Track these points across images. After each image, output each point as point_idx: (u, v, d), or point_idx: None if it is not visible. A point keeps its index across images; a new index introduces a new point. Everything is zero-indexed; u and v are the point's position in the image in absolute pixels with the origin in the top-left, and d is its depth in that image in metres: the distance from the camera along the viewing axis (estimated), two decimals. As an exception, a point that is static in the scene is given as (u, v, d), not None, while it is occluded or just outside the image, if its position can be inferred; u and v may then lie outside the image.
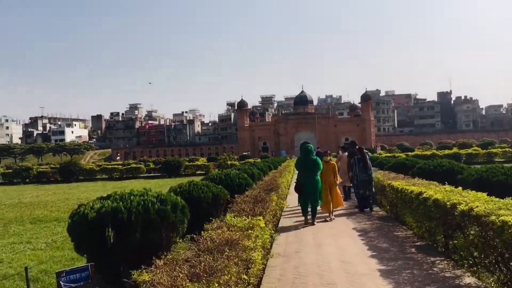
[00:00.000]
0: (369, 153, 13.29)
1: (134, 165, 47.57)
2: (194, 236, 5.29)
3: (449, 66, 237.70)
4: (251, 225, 5.38)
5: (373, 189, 11.80)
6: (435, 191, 7.07)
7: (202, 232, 5.17)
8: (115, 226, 5.40)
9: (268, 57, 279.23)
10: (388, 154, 40.48)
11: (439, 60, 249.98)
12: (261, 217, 6.05)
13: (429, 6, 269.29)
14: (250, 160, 49.11)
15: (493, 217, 4.46)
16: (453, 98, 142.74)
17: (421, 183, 8.65)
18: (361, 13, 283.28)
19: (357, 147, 13.08)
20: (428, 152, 43.04)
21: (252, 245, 4.56)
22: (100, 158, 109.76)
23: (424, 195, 6.99)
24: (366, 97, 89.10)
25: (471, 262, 5.68)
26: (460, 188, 7.06)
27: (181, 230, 6.23)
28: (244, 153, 71.96)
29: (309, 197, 10.15)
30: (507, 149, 41.60)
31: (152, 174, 45.37)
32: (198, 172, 43.95)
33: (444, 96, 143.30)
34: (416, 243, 7.65)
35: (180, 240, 6.53)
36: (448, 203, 5.89)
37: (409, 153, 43.83)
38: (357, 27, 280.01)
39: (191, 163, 49.19)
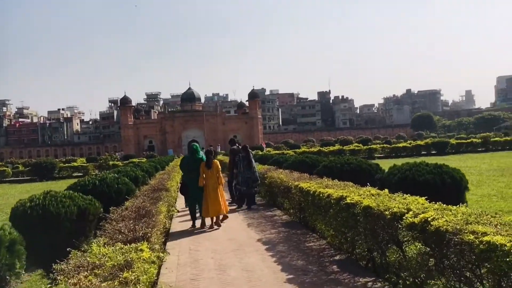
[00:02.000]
0: (252, 152, 13.41)
1: (-3, 168, 41.54)
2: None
3: (328, 67, 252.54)
4: (129, 260, 3.59)
5: (257, 187, 12.37)
6: (359, 195, 5.89)
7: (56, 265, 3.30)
8: None
9: (153, 54, 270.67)
10: (277, 151, 40.44)
11: (320, 60, 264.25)
12: (145, 243, 4.28)
13: (311, 7, 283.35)
14: (134, 160, 45.94)
15: (470, 236, 3.24)
16: (332, 98, 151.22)
17: (335, 184, 7.50)
18: (247, 13, 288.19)
19: (238, 145, 13.32)
20: (315, 149, 43.99)
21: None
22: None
23: (348, 200, 5.76)
24: (254, 95, 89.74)
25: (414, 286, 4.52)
26: (386, 190, 5.97)
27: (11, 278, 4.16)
28: (127, 153, 67.82)
29: (196, 199, 9.64)
30: (384, 145, 44.08)
31: (20, 178, 39.95)
32: (76, 174, 39.75)
33: (323, 95, 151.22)
34: (335, 257, 6.42)
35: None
36: (386, 212, 4.67)
37: (297, 150, 44.47)
38: (242, 27, 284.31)
39: (67, 164, 44.48)
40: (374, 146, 43.67)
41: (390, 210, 4.64)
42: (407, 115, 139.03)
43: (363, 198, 5.55)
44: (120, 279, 3.17)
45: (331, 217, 6.52)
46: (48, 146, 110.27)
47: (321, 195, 6.86)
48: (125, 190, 9.18)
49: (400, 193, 5.51)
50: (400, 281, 4.89)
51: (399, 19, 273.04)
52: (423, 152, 40.86)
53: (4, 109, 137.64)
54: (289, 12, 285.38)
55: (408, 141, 48.83)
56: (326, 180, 8.53)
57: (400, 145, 43.43)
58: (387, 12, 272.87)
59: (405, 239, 4.62)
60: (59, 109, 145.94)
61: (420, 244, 4.39)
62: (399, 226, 4.40)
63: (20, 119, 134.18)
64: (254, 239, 7.94)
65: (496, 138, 43.30)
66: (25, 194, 22.53)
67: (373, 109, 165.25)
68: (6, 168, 42.05)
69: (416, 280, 4.52)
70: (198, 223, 9.62)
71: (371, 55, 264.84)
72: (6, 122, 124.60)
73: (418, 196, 5.12)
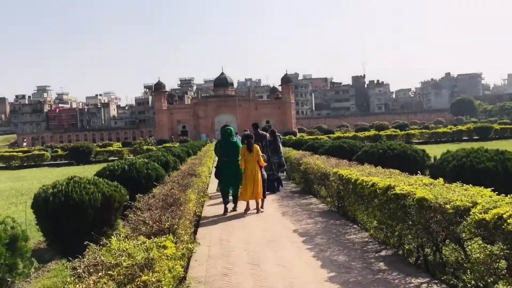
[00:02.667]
0: (280, 136, 13.24)
1: (36, 152, 42.54)
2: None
3: (363, 51, 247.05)
4: (150, 259, 3.12)
5: (285, 172, 12.35)
6: (409, 184, 5.24)
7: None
8: None
9: (187, 40, 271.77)
10: (310, 137, 39.65)
11: (354, 44, 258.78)
12: (170, 237, 3.81)
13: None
14: (167, 144, 46.19)
15: None
16: (367, 82, 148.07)
17: (379, 172, 6.87)
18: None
19: (269, 130, 13.02)
20: (349, 134, 42.90)
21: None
22: (3, 144, 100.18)
23: (397, 190, 5.13)
24: (287, 79, 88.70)
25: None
26: (441, 179, 5.30)
27: None
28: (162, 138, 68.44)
29: (229, 183, 9.47)
30: (423, 130, 42.52)
31: (58, 162, 40.82)
32: (111, 158, 40.25)
33: (358, 80, 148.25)
34: (380, 253, 5.81)
35: None
36: (447, 206, 4.03)
37: (330, 135, 43.55)
38: (275, 12, 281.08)
39: (103, 148, 45.10)
40: (412, 131, 42.20)
41: (452, 203, 3.99)
42: (445, 100, 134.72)
43: (416, 189, 4.91)
44: (138, 282, 2.71)
45: (376, 208, 5.90)
46: (86, 131, 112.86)
47: (364, 184, 6.23)
48: (155, 175, 8.81)
49: (459, 183, 4.83)
50: (460, 284, 4.26)
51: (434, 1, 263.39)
52: (464, 138, 39.19)
53: (45, 95, 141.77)
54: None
55: (449, 126, 46.98)
56: (368, 167, 7.88)
57: (440, 130, 41.79)
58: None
59: (467, 236, 3.98)
60: (96, 95, 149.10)
61: (484, 242, 3.75)
62: (464, 222, 3.76)
63: (60, 105, 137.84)
64: (289, 230, 7.40)
65: (544, 123, 41.03)
66: (61, 177, 22.82)
67: (410, 93, 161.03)
68: (45, 152, 43.02)
69: (480, 284, 3.89)
70: (230, 207, 9.45)
71: (407, 38, 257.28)
72: (46, 108, 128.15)
73: (481, 187, 4.44)
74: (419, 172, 6.10)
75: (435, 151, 14.15)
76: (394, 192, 5.20)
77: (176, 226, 4.39)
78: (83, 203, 5.28)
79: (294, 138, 31.15)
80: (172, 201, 5.52)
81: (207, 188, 12.06)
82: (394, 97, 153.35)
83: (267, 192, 10.39)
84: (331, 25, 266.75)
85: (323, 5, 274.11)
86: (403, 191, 5.01)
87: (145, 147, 42.96)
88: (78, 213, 5.21)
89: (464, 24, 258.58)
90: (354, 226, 7.39)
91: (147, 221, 4.40)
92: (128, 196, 6.15)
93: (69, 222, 5.15)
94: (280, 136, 14.86)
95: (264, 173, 10.04)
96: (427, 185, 5.10)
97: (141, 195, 5.77)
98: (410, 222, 4.99)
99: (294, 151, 14.30)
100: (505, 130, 39.96)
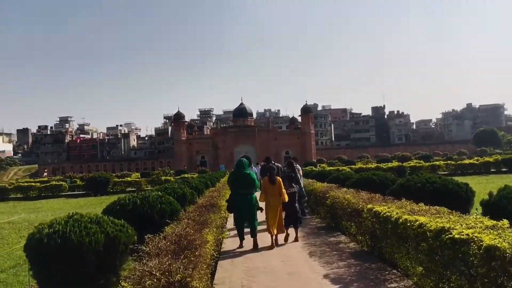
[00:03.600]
0: (298, 167, 13.01)
1: (54, 183, 42.41)
2: None
3: (382, 81, 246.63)
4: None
5: (305, 203, 11.65)
6: (468, 227, 4.37)
7: None
8: None
9: (206, 70, 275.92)
10: (331, 168, 38.64)
11: (373, 76, 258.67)
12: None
13: (360, 22, 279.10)
14: (186, 175, 45.67)
15: None
16: (387, 113, 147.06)
17: (423, 209, 5.99)
18: (296, 29, 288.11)
19: (288, 161, 12.73)
20: (372, 165, 41.75)
21: None
22: (25, 174, 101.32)
23: (455, 234, 4.25)
24: (306, 110, 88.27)
25: None
26: (505, 221, 4.42)
27: None
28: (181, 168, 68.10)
29: (243, 218, 8.97)
30: (449, 162, 41.08)
31: (76, 192, 40.55)
32: (129, 189, 39.80)
33: (378, 110, 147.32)
34: (431, 307, 4.90)
35: None
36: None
37: (352, 166, 42.44)
38: (293, 43, 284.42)
39: (121, 179, 44.76)
40: (437, 162, 40.83)
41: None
42: (467, 131, 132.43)
43: (479, 233, 4.04)
44: None
45: (423, 253, 5.02)
46: (106, 161, 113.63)
47: (408, 224, 5.36)
48: (169, 210, 8.06)
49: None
50: None
51: (457, 29, 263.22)
52: (492, 170, 37.66)
53: (67, 125, 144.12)
54: (341, 27, 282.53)
55: (475, 158, 45.39)
56: (407, 203, 7.00)
57: (466, 161, 40.30)
58: (444, 24, 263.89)
59: None
60: (117, 125, 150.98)
61: None
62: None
63: (81, 135, 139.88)
64: (319, 275, 6.51)
65: None
66: (77, 209, 22.32)
67: (431, 124, 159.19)
68: (63, 183, 42.86)
69: None
70: (246, 243, 9.02)
71: (428, 68, 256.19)
72: (68, 138, 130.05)
73: None
74: (476, 210, 5.20)
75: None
76: (450, 236, 4.33)
77: (189, 279, 3.61)
78: (83, 246, 4.53)
79: (316, 169, 30.20)
80: (187, 243, 4.75)
81: (226, 222, 11.27)
82: (414, 127, 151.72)
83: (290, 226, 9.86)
84: (350, 55, 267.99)
85: (342, 34, 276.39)
86: (463, 235, 4.15)
87: (163, 177, 42.49)
88: (77, 258, 4.46)
89: (485, 54, 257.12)
90: (394, 271, 6.47)
91: (154, 272, 3.63)
92: (136, 237, 5.38)
93: (66, 269, 4.40)
94: (299, 168, 14.00)
95: (297, 205, 9.86)
96: (491, 229, 4.22)
97: (150, 235, 5.01)
98: (473, 272, 4.11)
99: (318, 184, 13.45)
100: (536, 162, 38.33)
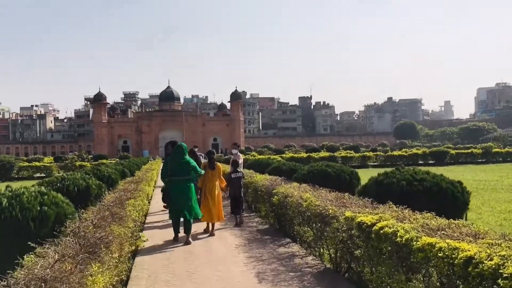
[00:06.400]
0: (239, 154, 12.03)
1: None
2: None
3: (310, 72, 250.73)
4: None
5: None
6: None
7: None
8: None
9: (133, 53, 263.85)
10: (262, 156, 36.87)
11: (302, 66, 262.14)
12: None
13: (291, 14, 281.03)
14: (105, 161, 41.85)
15: None
16: (313, 103, 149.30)
17: (444, 224, 3.96)
18: (228, 16, 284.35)
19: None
20: (303, 155, 40.62)
21: None
22: None
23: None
24: (236, 96, 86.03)
25: None
26: None
27: None
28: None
29: (181, 207, 8.17)
30: (379, 153, 40.94)
31: (-27, 178, 35.34)
32: (37, 174, 35.44)
33: (305, 101, 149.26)
34: None
35: None
36: None
37: (283, 155, 41.07)
38: (223, 29, 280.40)
39: (29, 163, 39.91)
40: (368, 153, 40.49)
41: None
42: (387, 123, 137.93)
43: None
44: None
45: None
46: (18, 144, 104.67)
47: (440, 254, 3.28)
48: (55, 215, 5.41)
49: None
50: None
51: (381, 28, 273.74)
52: (420, 162, 37.91)
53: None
54: (271, 16, 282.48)
55: (404, 150, 45.89)
56: (399, 209, 4.99)
57: (396, 153, 40.31)
58: (370, 21, 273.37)
59: None
60: (32, 106, 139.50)
61: None
62: None
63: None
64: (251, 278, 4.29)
65: (497, 149, 40.67)
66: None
67: (354, 116, 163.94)
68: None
69: None
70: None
71: (353, 62, 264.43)
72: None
73: None
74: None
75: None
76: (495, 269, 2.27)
77: None
78: None
79: (252, 158, 28.05)
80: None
81: (142, 227, 8.80)
82: (338, 119, 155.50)
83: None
84: (278, 44, 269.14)
85: (271, 24, 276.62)
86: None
87: (78, 163, 38.29)
88: None
89: (406, 51, 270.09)
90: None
91: None
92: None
93: None
94: (240, 155, 11.99)
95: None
96: None
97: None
98: None
99: (259, 176, 11.22)
100: (460, 155, 39.17)
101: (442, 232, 3.66)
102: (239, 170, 10.32)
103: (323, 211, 5.85)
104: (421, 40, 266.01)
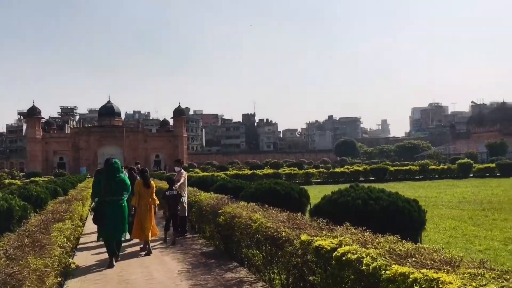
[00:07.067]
0: (183, 172, 11.42)
1: None
2: None
3: (253, 89, 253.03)
4: None
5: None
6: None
7: None
8: None
9: (71, 67, 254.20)
10: (206, 173, 36.14)
11: (246, 83, 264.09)
12: None
13: (234, 32, 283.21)
14: (38, 178, 39.39)
15: None
16: (257, 120, 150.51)
17: (412, 249, 3.59)
18: (171, 31, 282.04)
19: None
20: (248, 172, 40.29)
21: None
22: None
23: None
24: (179, 112, 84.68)
25: None
26: None
27: None
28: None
29: (113, 228, 7.69)
30: (322, 170, 41.42)
31: None
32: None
33: (248, 118, 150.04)
34: None
35: None
36: None
37: (227, 172, 40.57)
38: (166, 45, 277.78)
39: None
40: (311, 170, 40.81)
41: None
42: (329, 141, 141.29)
43: None
44: None
45: None
46: None
47: (397, 278, 2.88)
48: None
49: None
50: None
51: (322, 47, 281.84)
52: (361, 178, 38.68)
53: None
54: (214, 33, 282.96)
55: (346, 166, 46.76)
56: (357, 232, 4.62)
57: (338, 170, 40.98)
58: (311, 40, 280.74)
59: None
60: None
61: None
62: None
63: None
64: None
65: (433, 166, 42.33)
66: None
67: (296, 133, 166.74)
68: None
69: None
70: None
71: (295, 80, 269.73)
72: None
73: None
74: None
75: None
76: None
77: None
78: None
79: (196, 175, 27.20)
80: None
81: (72, 255, 7.93)
82: (281, 136, 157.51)
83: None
84: (222, 61, 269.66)
85: (214, 41, 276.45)
86: None
87: (7, 181, 35.70)
88: None
89: (345, 71, 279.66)
90: None
91: None
92: None
93: None
94: (183, 173, 11.38)
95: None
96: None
97: None
98: None
99: (204, 194, 10.61)
100: (399, 172, 40.38)
101: (413, 259, 3.28)
102: (174, 187, 10.21)
103: (275, 234, 5.37)
104: (360, 59, 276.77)
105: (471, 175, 41.03)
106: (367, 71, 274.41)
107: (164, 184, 12.89)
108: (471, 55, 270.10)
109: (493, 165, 43.05)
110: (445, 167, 42.30)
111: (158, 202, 9.41)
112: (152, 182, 9.49)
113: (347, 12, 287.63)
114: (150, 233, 8.88)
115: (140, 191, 9.00)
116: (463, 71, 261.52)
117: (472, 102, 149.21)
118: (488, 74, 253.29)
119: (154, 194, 9.22)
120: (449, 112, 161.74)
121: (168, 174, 18.03)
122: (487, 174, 41.30)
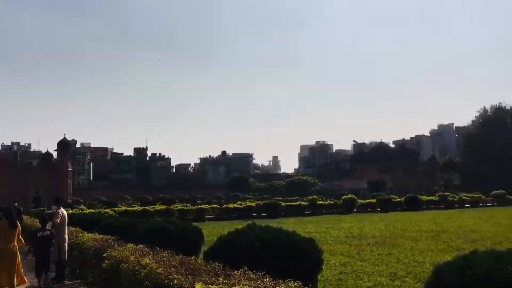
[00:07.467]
0: (62, 211, 10.39)
1: None
2: None
3: (145, 123, 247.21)
4: None
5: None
6: None
7: None
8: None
9: None
10: (92, 210, 33.77)
11: (136, 116, 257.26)
12: None
13: (124, 64, 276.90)
14: None
15: None
16: (149, 155, 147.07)
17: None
18: (57, 59, 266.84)
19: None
20: (138, 208, 38.46)
21: None
22: None
23: None
24: (64, 145, 79.32)
25: None
26: None
27: None
28: None
29: None
30: (215, 206, 41.05)
31: None
32: None
33: (140, 152, 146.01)
34: None
35: None
36: None
37: (116, 209, 38.40)
38: (50, 73, 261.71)
39: None
40: (204, 206, 40.20)
41: None
42: (222, 176, 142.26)
43: None
44: None
45: None
46: None
47: None
48: None
49: None
50: None
51: (210, 83, 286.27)
52: (253, 214, 39.03)
53: None
54: (101, 63, 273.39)
55: (238, 202, 46.90)
56: (256, 276, 4.35)
57: (231, 205, 40.88)
58: (202, 77, 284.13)
59: None
60: None
61: None
62: None
63: None
64: None
65: (321, 202, 44.26)
66: None
67: (190, 168, 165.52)
68: None
69: None
70: None
71: (187, 115, 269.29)
72: None
73: None
74: None
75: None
76: None
77: None
78: None
79: (80, 213, 25.07)
80: None
81: None
82: (174, 171, 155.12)
83: None
84: (114, 94, 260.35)
85: (99, 72, 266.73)
86: None
87: None
88: None
89: (236, 108, 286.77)
90: None
91: None
92: None
93: None
94: (62, 212, 10.27)
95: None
96: None
97: None
98: None
99: (87, 235, 9.64)
100: (290, 207, 41.50)
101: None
102: (47, 228, 9.66)
103: (166, 281, 4.87)
104: (249, 96, 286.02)
105: (355, 210, 43.81)
106: (261, 109, 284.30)
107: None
108: (348, 97, 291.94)
109: (374, 200, 46.38)
110: (332, 202, 44.56)
111: (24, 243, 8.93)
112: (18, 223, 8.81)
113: (244, 48, 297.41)
114: (15, 280, 8.27)
115: (5, 233, 8.34)
116: (344, 113, 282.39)
117: (354, 141, 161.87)
118: (366, 114, 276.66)
119: (20, 235, 8.68)
120: (334, 150, 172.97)
121: (49, 211, 16.34)
122: (369, 209, 44.39)
